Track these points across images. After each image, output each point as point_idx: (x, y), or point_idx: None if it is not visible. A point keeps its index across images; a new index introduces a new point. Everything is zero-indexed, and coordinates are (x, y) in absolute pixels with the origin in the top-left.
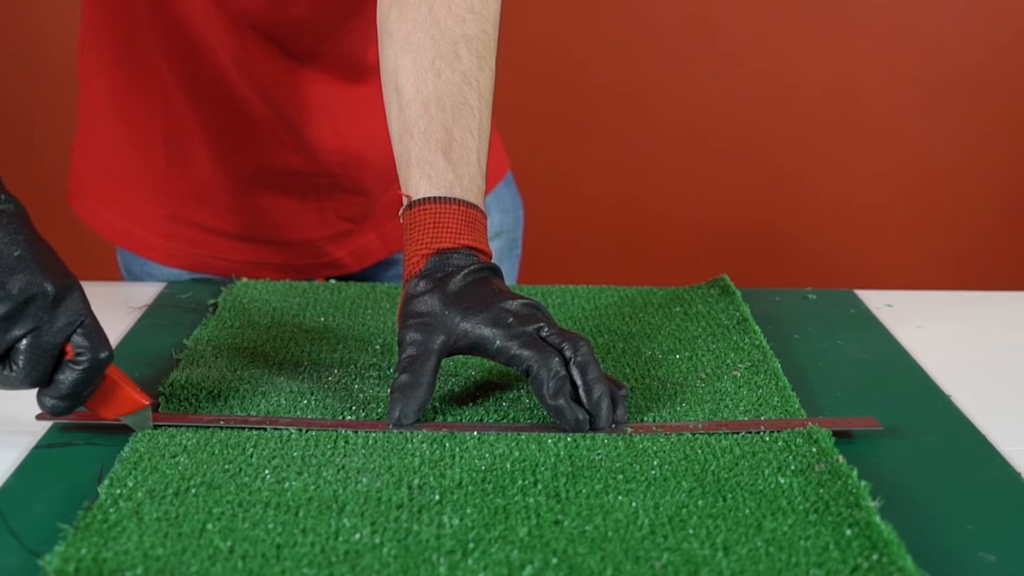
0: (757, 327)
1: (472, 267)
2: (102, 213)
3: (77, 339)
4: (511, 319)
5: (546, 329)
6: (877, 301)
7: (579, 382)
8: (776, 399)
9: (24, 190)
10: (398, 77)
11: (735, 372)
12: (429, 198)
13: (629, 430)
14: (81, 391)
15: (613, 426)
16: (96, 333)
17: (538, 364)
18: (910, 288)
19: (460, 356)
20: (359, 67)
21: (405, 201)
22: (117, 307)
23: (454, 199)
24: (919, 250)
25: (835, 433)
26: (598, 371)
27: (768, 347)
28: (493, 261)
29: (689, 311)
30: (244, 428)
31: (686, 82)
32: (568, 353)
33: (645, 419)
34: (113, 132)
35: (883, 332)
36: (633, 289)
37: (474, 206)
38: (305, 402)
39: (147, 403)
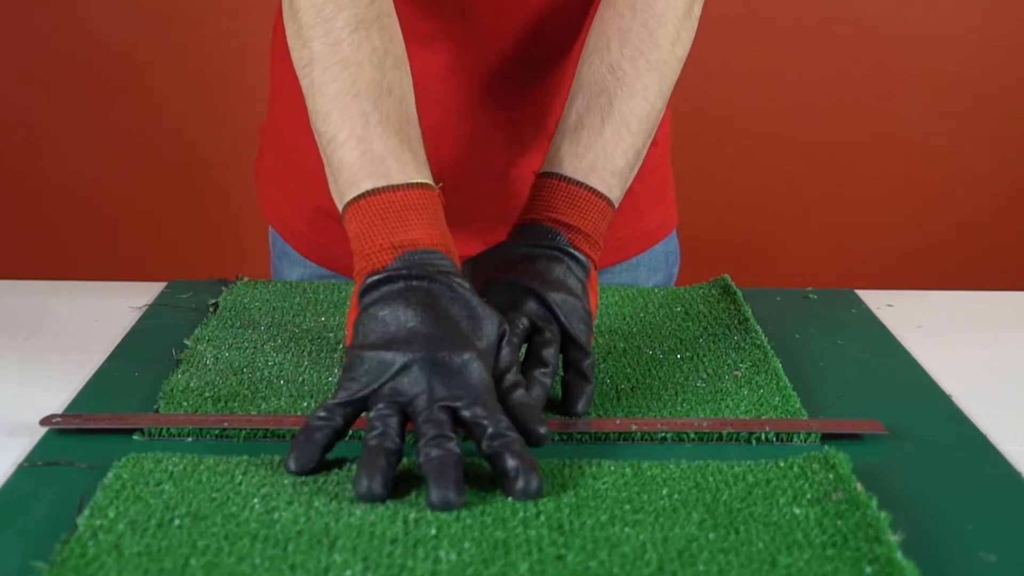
0: (758, 327)
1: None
2: (268, 191)
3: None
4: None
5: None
6: (877, 301)
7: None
8: (777, 399)
9: (27, 187)
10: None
11: (736, 372)
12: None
13: (635, 427)
14: None
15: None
16: None
17: None
18: (910, 288)
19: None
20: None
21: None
22: (117, 307)
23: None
24: (919, 250)
25: (842, 436)
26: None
27: (769, 347)
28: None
29: (690, 311)
30: (232, 457)
31: (685, 81)
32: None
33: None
34: (294, 118)
35: (883, 332)
36: (634, 289)
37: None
38: (306, 404)
39: None
